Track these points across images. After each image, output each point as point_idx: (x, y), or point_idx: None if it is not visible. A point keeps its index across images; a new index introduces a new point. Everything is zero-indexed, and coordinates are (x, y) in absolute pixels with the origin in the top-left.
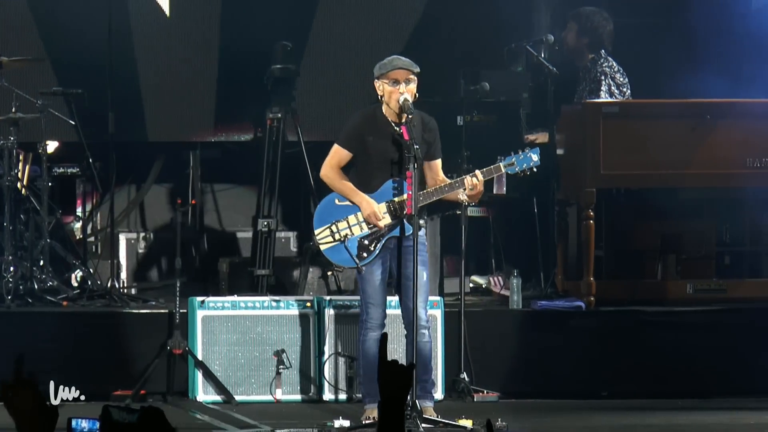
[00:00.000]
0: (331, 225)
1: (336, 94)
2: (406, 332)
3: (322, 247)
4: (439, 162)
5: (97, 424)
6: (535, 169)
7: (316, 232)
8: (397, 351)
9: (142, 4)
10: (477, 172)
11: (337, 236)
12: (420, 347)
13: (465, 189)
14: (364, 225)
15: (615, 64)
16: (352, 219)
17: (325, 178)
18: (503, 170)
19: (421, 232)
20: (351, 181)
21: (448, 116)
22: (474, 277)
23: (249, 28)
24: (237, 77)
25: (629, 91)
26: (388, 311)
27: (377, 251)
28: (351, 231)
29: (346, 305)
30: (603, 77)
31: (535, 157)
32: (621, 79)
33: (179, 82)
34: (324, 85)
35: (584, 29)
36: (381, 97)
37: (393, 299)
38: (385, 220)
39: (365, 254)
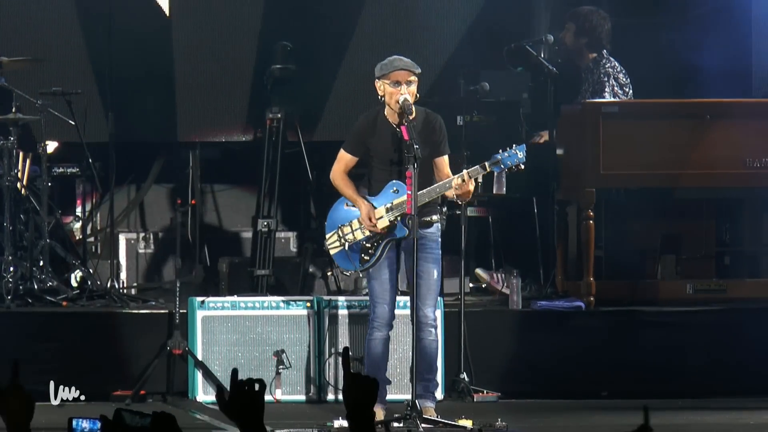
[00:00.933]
0: (338, 230)
1: (336, 94)
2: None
3: (331, 252)
4: (444, 159)
5: (98, 424)
6: (522, 166)
7: (327, 237)
8: (404, 351)
9: (142, 3)
10: (464, 171)
11: (342, 241)
12: (426, 345)
13: (453, 188)
14: (365, 229)
15: (617, 65)
16: (355, 223)
17: (333, 182)
18: (488, 168)
19: (434, 228)
20: (367, 184)
21: (448, 116)
22: (478, 270)
23: (249, 28)
24: (237, 77)
25: (631, 91)
26: (396, 311)
27: (378, 253)
28: (354, 235)
29: (346, 305)
30: (606, 78)
31: (520, 154)
32: (624, 80)
33: (179, 82)
34: (324, 85)
35: (582, 29)
36: (381, 97)
37: (402, 299)
38: (382, 222)
39: (366, 257)
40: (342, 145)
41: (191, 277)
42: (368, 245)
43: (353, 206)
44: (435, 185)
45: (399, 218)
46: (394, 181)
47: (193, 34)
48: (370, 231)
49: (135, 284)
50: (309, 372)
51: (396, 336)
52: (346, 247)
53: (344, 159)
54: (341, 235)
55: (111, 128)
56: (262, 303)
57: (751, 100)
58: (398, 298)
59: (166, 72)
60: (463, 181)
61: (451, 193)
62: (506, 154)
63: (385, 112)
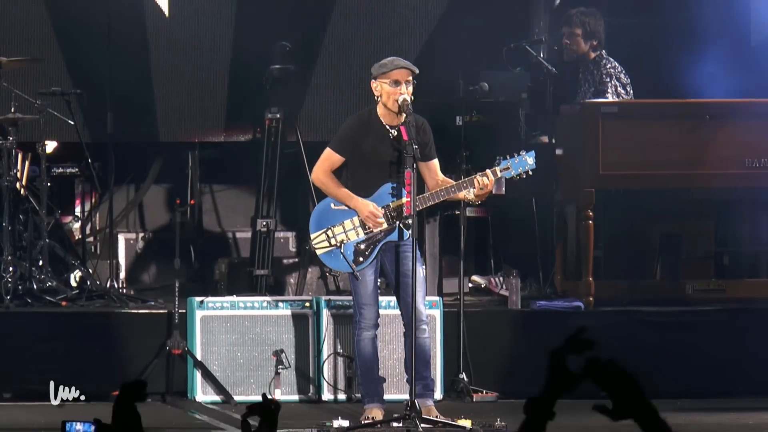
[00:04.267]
0: (327, 230)
1: (335, 94)
2: (405, 330)
3: (318, 252)
4: (436, 162)
5: (92, 428)
6: (531, 172)
7: (312, 236)
8: (396, 350)
9: (141, 4)
10: (488, 171)
11: (333, 241)
12: (420, 343)
13: (475, 188)
14: (360, 230)
15: (617, 65)
16: (348, 224)
17: (317, 183)
18: (499, 174)
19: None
20: (344, 185)
21: (448, 116)
22: (474, 277)
23: (248, 28)
24: (236, 77)
25: (632, 91)
26: (382, 312)
27: (373, 256)
28: (347, 236)
29: (345, 305)
30: (609, 78)
31: (530, 160)
32: (625, 79)
33: (178, 82)
34: (323, 85)
35: (588, 33)
36: (378, 97)
37: (385, 300)
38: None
39: (361, 259)
40: (328, 144)
41: (174, 269)
42: (363, 247)
43: (341, 206)
44: (452, 185)
45: (398, 221)
46: (390, 183)
47: (192, 34)
48: (365, 234)
49: (122, 286)
50: (308, 372)
51: (391, 336)
52: (342, 249)
53: (331, 159)
54: (331, 235)
55: (110, 128)
56: (261, 303)
57: (750, 100)
58: (382, 298)
59: (164, 72)
60: (486, 180)
61: (463, 195)
62: (516, 160)
63: (378, 113)
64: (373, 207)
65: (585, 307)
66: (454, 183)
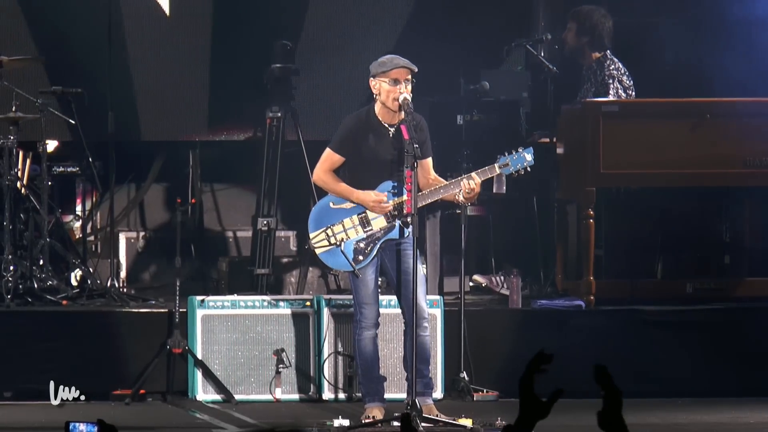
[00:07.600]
0: (327, 229)
1: (335, 93)
2: (405, 328)
3: (318, 251)
4: (429, 161)
5: (95, 428)
6: (529, 169)
7: (312, 235)
8: (396, 349)
9: (142, 3)
10: (473, 174)
11: (332, 240)
12: (420, 341)
13: (461, 191)
14: (359, 228)
15: (621, 66)
16: (347, 222)
17: (319, 182)
18: (498, 171)
19: (410, 229)
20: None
21: (448, 115)
22: (475, 276)
23: (249, 26)
24: (237, 76)
25: (634, 94)
26: (382, 311)
27: (373, 254)
28: (347, 234)
29: (346, 305)
30: (611, 80)
31: (528, 157)
32: (627, 82)
33: (179, 80)
34: (324, 84)
35: (583, 28)
36: (377, 96)
37: (385, 299)
38: (380, 222)
39: (361, 257)
40: (328, 145)
41: (175, 268)
42: (363, 245)
43: (340, 205)
44: (439, 186)
45: (398, 218)
46: (389, 181)
47: (192, 33)
48: (365, 233)
49: (123, 285)
50: (309, 371)
51: (391, 335)
52: (342, 247)
53: (331, 159)
54: (330, 234)
55: (111, 127)
56: (261, 302)
57: (750, 99)
58: (383, 297)
59: (165, 71)
60: (473, 183)
61: (453, 196)
62: (514, 157)
63: (376, 111)
64: (375, 194)
65: (586, 306)
66: (443, 184)
